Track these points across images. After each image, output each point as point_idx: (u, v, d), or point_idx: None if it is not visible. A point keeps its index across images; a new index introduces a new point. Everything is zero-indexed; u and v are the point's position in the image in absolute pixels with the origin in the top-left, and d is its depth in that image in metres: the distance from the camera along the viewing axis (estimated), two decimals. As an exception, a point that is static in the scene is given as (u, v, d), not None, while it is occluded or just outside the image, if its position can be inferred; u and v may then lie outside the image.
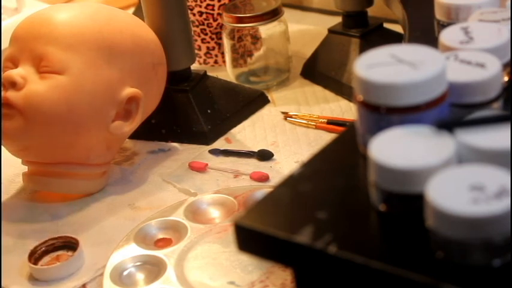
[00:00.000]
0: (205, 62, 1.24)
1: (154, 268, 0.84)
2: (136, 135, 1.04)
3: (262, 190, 0.93)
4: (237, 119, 1.10)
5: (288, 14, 1.18)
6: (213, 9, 1.20)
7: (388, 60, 0.62)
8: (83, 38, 0.95)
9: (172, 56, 1.06)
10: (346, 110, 1.10)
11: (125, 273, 0.85)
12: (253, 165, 1.01)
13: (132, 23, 1.01)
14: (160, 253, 0.86)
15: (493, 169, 0.54)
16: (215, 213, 0.93)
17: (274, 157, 1.02)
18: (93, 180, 0.98)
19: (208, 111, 1.08)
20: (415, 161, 0.56)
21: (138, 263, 0.86)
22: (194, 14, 1.20)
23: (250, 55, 1.16)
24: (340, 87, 1.13)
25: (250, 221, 0.60)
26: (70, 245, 0.89)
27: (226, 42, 1.16)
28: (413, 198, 0.56)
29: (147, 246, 0.88)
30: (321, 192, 0.63)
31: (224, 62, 1.20)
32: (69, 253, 0.89)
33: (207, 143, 1.06)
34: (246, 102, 1.12)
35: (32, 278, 0.86)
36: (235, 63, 1.17)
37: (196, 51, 1.18)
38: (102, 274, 0.85)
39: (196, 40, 1.22)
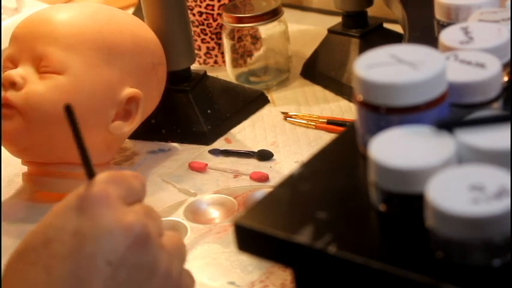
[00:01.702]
0: (205, 62, 1.24)
1: (154, 268, 0.84)
2: (136, 135, 1.04)
3: (262, 190, 0.93)
4: (237, 119, 1.10)
5: (288, 14, 1.18)
6: (213, 9, 1.20)
7: (388, 60, 0.62)
8: (83, 38, 0.95)
9: (172, 56, 1.06)
10: (346, 110, 1.10)
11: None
12: (253, 165, 1.01)
13: (132, 23, 1.01)
14: (160, 253, 0.86)
15: (493, 169, 0.54)
16: (215, 213, 0.93)
17: (274, 157, 1.02)
18: (93, 180, 0.98)
19: (208, 111, 1.08)
20: (415, 161, 0.56)
21: (138, 263, 0.86)
22: (194, 14, 1.20)
23: (250, 55, 1.16)
24: (340, 87, 1.13)
25: (250, 221, 0.60)
26: (70, 245, 0.89)
27: (226, 43, 1.16)
28: (413, 198, 0.56)
29: (147, 246, 0.88)
30: (320, 192, 0.63)
31: (224, 62, 1.20)
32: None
33: (207, 143, 1.06)
34: (246, 102, 1.12)
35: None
36: (235, 63, 1.17)
37: (196, 51, 1.18)
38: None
39: (196, 40, 1.22)
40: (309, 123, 1.07)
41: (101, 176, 0.62)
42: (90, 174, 0.63)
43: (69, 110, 0.61)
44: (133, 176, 0.64)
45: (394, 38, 1.12)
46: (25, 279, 0.59)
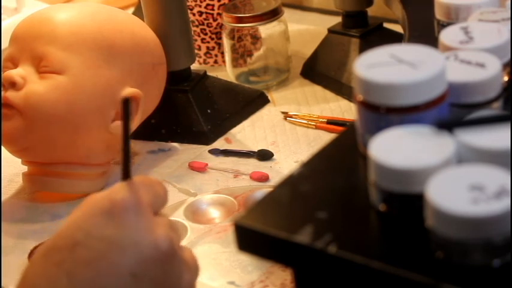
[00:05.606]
0: (205, 62, 1.24)
1: (154, 268, 0.84)
2: (136, 135, 1.04)
3: (262, 190, 0.93)
4: (237, 119, 1.10)
5: (288, 13, 1.18)
6: (212, 9, 1.20)
7: (388, 60, 0.62)
8: (83, 38, 0.94)
9: (172, 56, 1.06)
10: (346, 110, 1.10)
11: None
12: (253, 165, 1.01)
13: (132, 22, 1.01)
14: (160, 253, 0.86)
15: (493, 169, 0.54)
16: (215, 213, 0.93)
17: (274, 157, 1.02)
18: (93, 180, 0.98)
19: (208, 111, 1.08)
20: (415, 161, 0.56)
21: (138, 263, 0.86)
22: (194, 14, 1.20)
23: (250, 55, 1.16)
24: (340, 87, 1.13)
25: (250, 221, 0.60)
26: (70, 245, 0.89)
27: (226, 42, 1.16)
28: (413, 198, 0.56)
29: (147, 246, 0.88)
30: (320, 192, 0.63)
31: (224, 62, 1.20)
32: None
33: (207, 143, 1.06)
34: (246, 102, 1.12)
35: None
36: (235, 63, 1.17)
37: (196, 51, 1.18)
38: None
39: (196, 40, 1.22)
40: (309, 123, 1.07)
41: (135, 180, 0.61)
42: (126, 174, 0.61)
43: (126, 103, 0.60)
44: (158, 183, 0.64)
45: (394, 38, 1.12)
46: (47, 280, 0.59)
